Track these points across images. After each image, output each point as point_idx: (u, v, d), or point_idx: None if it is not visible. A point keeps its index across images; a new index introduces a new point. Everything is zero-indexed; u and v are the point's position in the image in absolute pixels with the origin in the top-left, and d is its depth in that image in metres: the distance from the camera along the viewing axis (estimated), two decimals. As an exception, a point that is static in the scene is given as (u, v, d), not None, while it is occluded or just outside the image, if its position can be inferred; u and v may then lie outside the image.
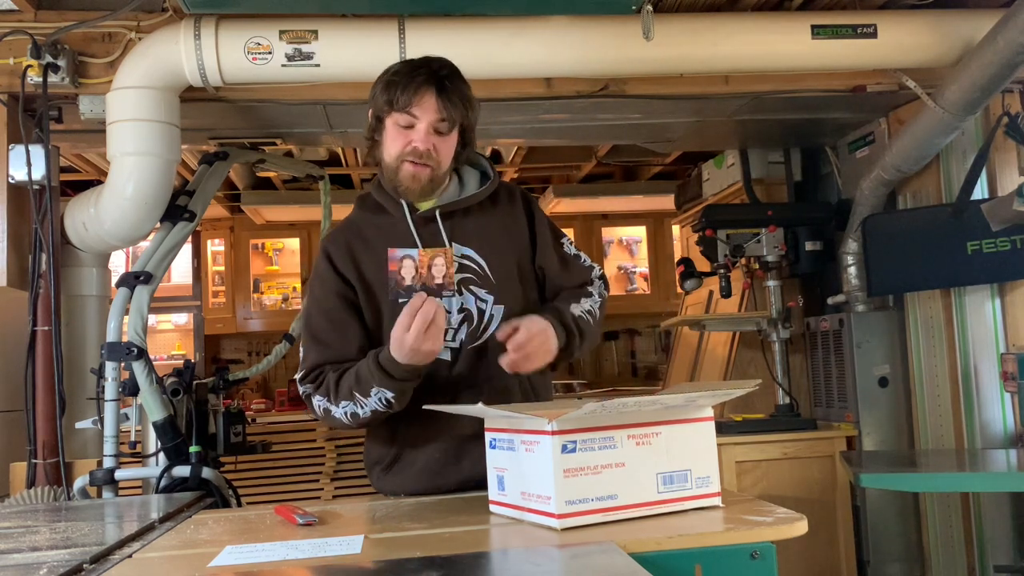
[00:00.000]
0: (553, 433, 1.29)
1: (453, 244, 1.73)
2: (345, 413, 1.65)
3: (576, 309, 1.72)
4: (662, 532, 1.22)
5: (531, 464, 1.34)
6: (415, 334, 1.50)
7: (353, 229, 1.78)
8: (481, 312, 1.71)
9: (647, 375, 6.09)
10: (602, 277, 1.87)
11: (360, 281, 1.73)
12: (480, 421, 1.52)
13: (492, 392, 1.70)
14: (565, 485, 1.28)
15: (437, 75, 1.65)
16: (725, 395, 1.43)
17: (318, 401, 1.68)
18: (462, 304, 1.71)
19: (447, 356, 1.70)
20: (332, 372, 1.68)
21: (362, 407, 1.63)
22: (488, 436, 1.47)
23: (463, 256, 1.73)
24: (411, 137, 1.66)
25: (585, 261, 1.86)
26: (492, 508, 1.45)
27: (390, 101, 1.65)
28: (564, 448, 1.29)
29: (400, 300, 1.56)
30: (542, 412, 1.32)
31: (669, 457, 1.37)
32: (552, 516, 1.28)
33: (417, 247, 1.70)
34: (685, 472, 1.37)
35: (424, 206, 1.74)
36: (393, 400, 1.61)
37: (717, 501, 1.39)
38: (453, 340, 1.70)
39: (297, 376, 1.74)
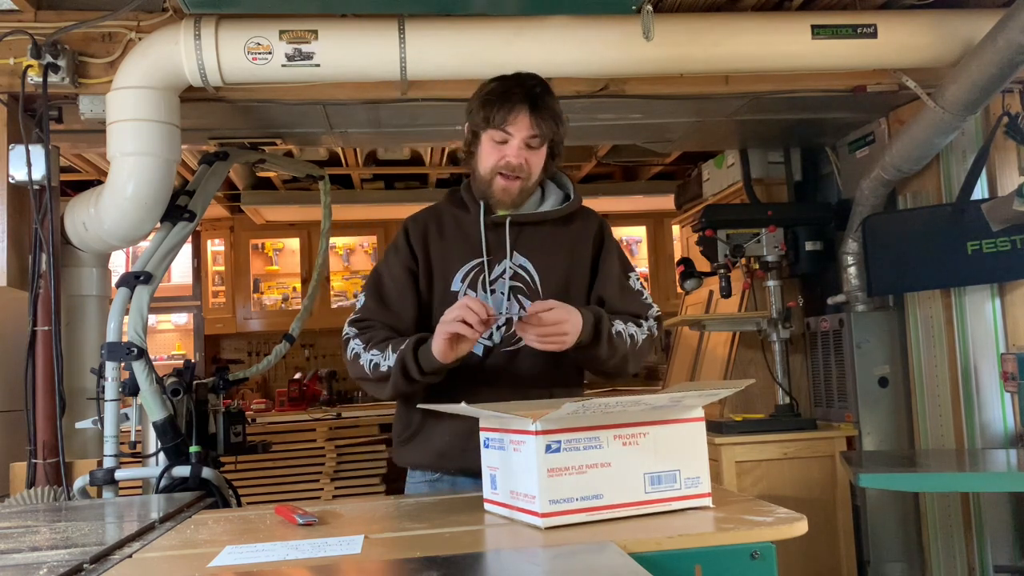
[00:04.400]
0: (537, 433, 1.30)
1: (513, 252, 1.81)
2: (370, 362, 1.73)
3: (618, 325, 1.74)
4: (662, 532, 1.22)
5: (518, 463, 1.36)
6: (457, 312, 1.57)
7: (434, 214, 1.90)
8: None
9: (647, 375, 6.08)
10: (658, 319, 1.89)
11: (426, 261, 1.84)
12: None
13: (514, 396, 1.72)
14: (549, 484, 1.29)
15: (531, 93, 1.75)
16: (712, 395, 1.42)
17: (355, 345, 1.77)
18: (508, 308, 1.78)
19: (479, 351, 1.77)
20: (384, 330, 1.78)
21: (384, 361, 1.70)
22: (482, 435, 1.48)
23: (519, 266, 1.81)
24: (504, 152, 1.76)
25: (646, 299, 1.89)
26: (486, 507, 1.47)
27: (487, 118, 1.75)
28: (548, 448, 1.30)
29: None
30: (527, 412, 1.33)
31: (657, 457, 1.37)
32: (536, 515, 1.30)
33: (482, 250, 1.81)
34: (673, 472, 1.38)
35: (501, 212, 1.83)
36: (402, 377, 1.68)
37: (707, 502, 1.39)
38: (489, 339, 1.77)
39: (349, 319, 1.83)
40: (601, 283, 1.86)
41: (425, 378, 1.68)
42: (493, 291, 1.79)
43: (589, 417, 1.33)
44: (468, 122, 1.82)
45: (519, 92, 1.75)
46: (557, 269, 1.83)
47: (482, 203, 1.82)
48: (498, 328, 1.77)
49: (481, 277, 1.80)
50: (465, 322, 1.56)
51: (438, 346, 1.61)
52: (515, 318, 1.64)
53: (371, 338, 1.76)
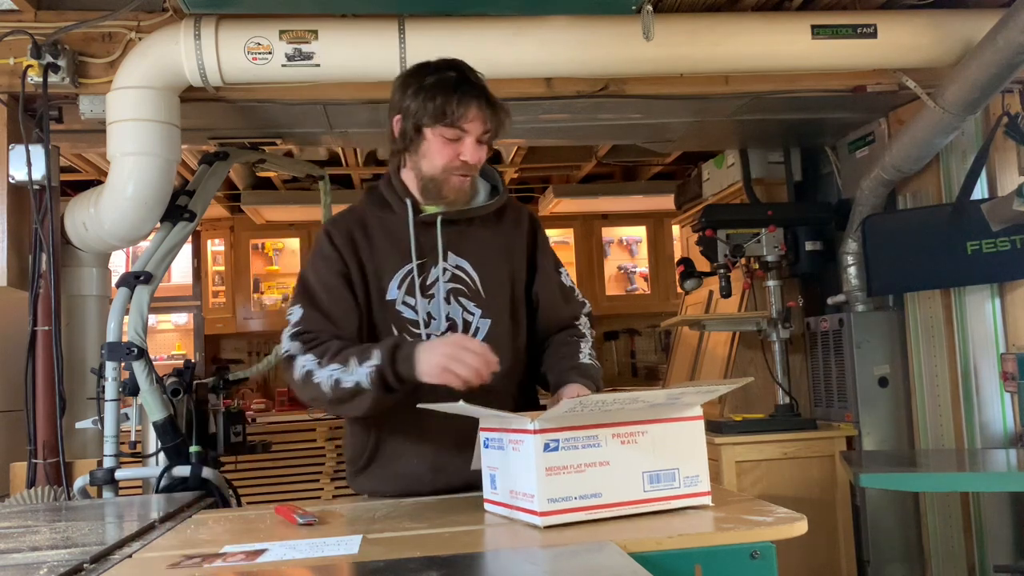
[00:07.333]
0: (535, 432, 1.31)
1: (448, 253, 1.73)
2: (330, 378, 1.57)
3: (586, 360, 1.73)
4: (662, 532, 1.22)
5: (517, 462, 1.36)
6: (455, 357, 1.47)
7: (356, 218, 1.77)
8: (467, 323, 1.72)
9: (647, 375, 6.09)
10: (589, 314, 1.88)
11: (358, 268, 1.72)
12: (458, 435, 1.55)
13: (475, 398, 1.66)
14: (547, 483, 1.30)
15: (478, 86, 1.67)
16: (710, 393, 1.42)
17: (305, 361, 1.61)
18: (448, 313, 1.70)
19: None
20: (336, 341, 1.63)
21: (349, 375, 1.56)
22: (482, 436, 1.49)
23: (457, 267, 1.73)
24: (459, 150, 1.66)
25: (578, 295, 1.87)
26: (486, 506, 1.47)
27: (438, 114, 1.64)
28: (546, 447, 1.30)
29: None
30: (527, 411, 1.34)
31: (655, 456, 1.37)
32: (535, 514, 1.30)
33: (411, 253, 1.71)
34: (672, 471, 1.38)
35: (429, 210, 1.74)
36: (373, 382, 1.54)
37: (706, 500, 1.39)
38: None
39: (286, 332, 1.67)
40: (540, 283, 1.81)
41: (402, 387, 1.56)
42: (431, 296, 1.70)
43: (587, 416, 1.33)
44: (402, 115, 1.70)
45: (471, 86, 1.66)
46: (498, 269, 1.76)
47: (408, 201, 1.73)
48: (440, 336, 1.68)
49: (418, 282, 1.71)
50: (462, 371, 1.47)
51: (430, 372, 1.50)
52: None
53: (324, 351, 1.60)
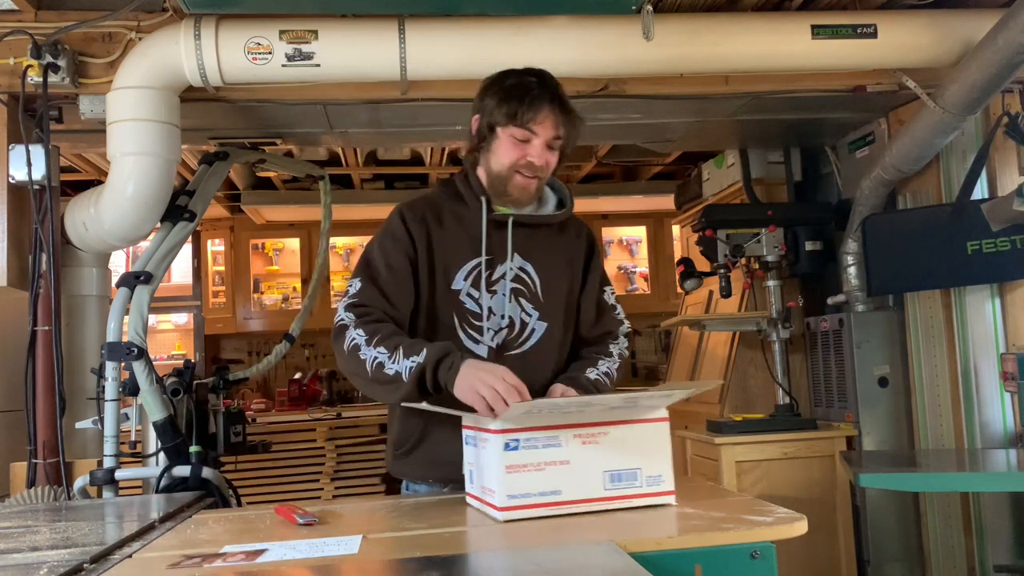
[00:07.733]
0: (497, 432, 1.37)
1: (515, 255, 1.77)
2: (374, 360, 1.60)
3: (592, 373, 1.77)
4: (662, 532, 1.23)
5: (485, 459, 1.42)
6: (503, 388, 1.42)
7: (431, 205, 1.81)
8: (524, 323, 1.77)
9: (647, 375, 6.09)
10: (627, 335, 1.92)
11: (427, 252, 1.75)
12: None
13: None
14: (508, 480, 1.35)
15: (557, 94, 1.73)
16: (668, 397, 1.44)
17: (356, 336, 1.63)
18: (507, 311, 1.76)
19: (483, 353, 1.73)
20: (390, 324, 1.67)
21: (392, 363, 1.58)
22: (464, 433, 1.55)
23: (521, 269, 1.78)
24: (527, 151, 1.71)
25: (619, 314, 1.92)
26: (467, 499, 1.53)
27: (510, 114, 1.69)
28: (507, 446, 1.36)
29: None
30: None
31: (617, 456, 1.41)
32: (496, 508, 1.36)
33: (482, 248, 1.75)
34: (634, 471, 1.42)
35: (501, 210, 1.78)
36: (411, 377, 1.55)
37: (670, 500, 1.43)
38: (492, 341, 1.74)
39: (342, 303, 1.71)
40: (584, 295, 1.88)
41: (437, 395, 1.57)
42: (494, 292, 1.76)
43: (546, 417, 1.38)
44: (480, 114, 1.76)
45: (546, 92, 1.71)
46: (558, 276, 1.83)
47: (483, 199, 1.77)
48: (498, 331, 1.74)
49: (483, 276, 1.76)
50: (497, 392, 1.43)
51: (462, 389, 1.48)
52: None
53: (376, 331, 1.62)
